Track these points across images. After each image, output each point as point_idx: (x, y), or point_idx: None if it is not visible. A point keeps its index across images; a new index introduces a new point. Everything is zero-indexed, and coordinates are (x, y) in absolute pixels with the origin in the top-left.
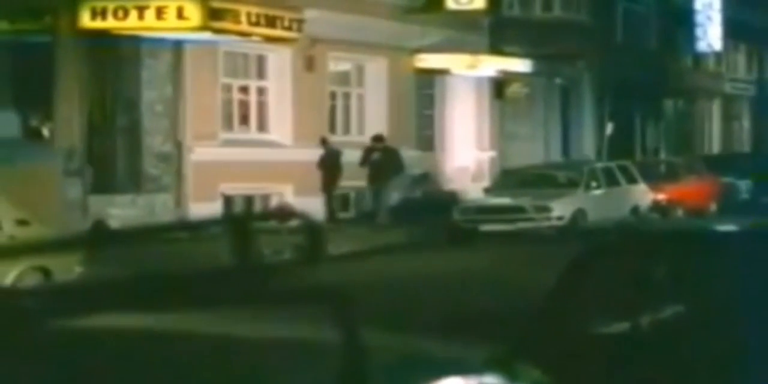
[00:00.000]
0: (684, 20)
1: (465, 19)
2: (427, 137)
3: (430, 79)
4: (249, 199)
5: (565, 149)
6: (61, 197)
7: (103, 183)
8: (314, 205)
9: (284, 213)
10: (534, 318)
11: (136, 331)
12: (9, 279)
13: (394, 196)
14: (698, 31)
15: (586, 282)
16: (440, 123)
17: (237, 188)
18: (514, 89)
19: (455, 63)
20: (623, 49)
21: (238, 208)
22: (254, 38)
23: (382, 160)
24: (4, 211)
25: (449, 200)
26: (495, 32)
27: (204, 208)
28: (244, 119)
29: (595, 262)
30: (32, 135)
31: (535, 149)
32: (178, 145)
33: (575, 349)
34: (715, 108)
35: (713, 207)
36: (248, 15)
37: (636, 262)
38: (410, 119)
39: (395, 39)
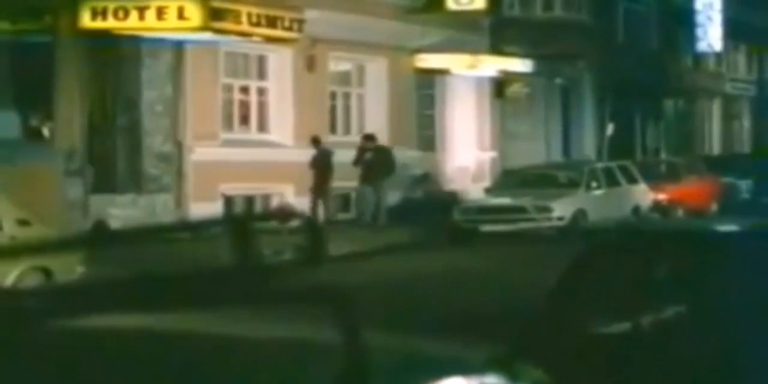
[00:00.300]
0: (684, 20)
1: (465, 19)
2: (428, 137)
3: (430, 79)
4: (249, 200)
5: (566, 149)
6: (62, 197)
7: (104, 183)
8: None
9: (285, 213)
10: (535, 318)
11: (137, 331)
12: (10, 279)
13: (390, 195)
14: (699, 32)
15: (586, 282)
16: (441, 123)
17: (237, 188)
18: (514, 89)
19: (456, 63)
20: (624, 49)
21: (239, 208)
22: (255, 38)
23: (374, 159)
24: (5, 211)
25: (450, 200)
26: (495, 32)
27: (204, 208)
28: (245, 119)
29: (596, 262)
30: (32, 135)
31: (536, 149)
32: (179, 145)
33: (576, 349)
34: (716, 108)
35: (714, 207)
36: (249, 15)
37: (637, 262)
38: (411, 119)
39: (396, 39)
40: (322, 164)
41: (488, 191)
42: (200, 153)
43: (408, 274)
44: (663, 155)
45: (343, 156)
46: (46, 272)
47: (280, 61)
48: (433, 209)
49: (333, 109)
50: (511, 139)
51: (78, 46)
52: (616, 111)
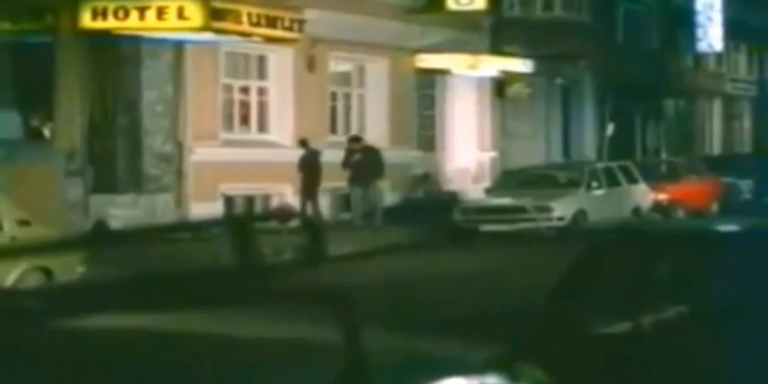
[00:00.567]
0: (685, 21)
1: (466, 20)
2: (428, 137)
3: (431, 79)
4: (249, 200)
5: (566, 149)
6: (62, 197)
7: (104, 183)
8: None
9: (284, 214)
10: (535, 318)
11: (137, 331)
12: (10, 279)
13: (390, 196)
14: (699, 32)
15: (587, 282)
16: (441, 123)
17: (237, 188)
18: (514, 89)
19: (456, 63)
20: (624, 50)
21: (239, 208)
22: (255, 38)
23: (363, 160)
24: (6, 212)
25: (450, 200)
26: (496, 32)
27: (205, 208)
28: (245, 119)
29: (597, 262)
30: (33, 135)
31: (536, 149)
32: (179, 146)
33: (576, 349)
34: (716, 108)
35: (714, 207)
36: (249, 15)
37: (637, 262)
38: (411, 119)
39: (396, 39)
40: (310, 165)
41: (488, 191)
42: (200, 153)
43: (408, 275)
44: (663, 155)
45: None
46: (47, 272)
47: (281, 62)
48: (434, 209)
49: (333, 110)
50: (511, 139)
51: (78, 46)
52: (617, 111)
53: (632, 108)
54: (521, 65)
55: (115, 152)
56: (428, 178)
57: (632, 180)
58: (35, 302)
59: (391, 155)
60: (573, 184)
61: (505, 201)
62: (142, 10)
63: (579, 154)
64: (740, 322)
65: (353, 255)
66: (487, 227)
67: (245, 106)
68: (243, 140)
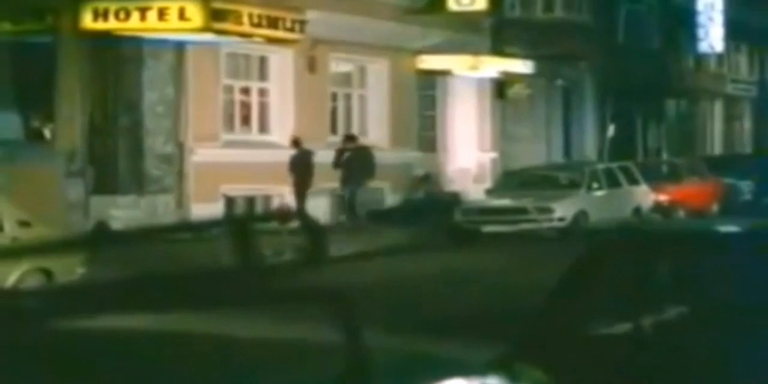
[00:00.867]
0: (685, 21)
1: (466, 20)
2: (429, 138)
3: (431, 80)
4: (250, 201)
5: (567, 150)
6: (63, 198)
7: (105, 184)
8: (316, 207)
9: (285, 214)
10: (536, 319)
11: (138, 332)
12: (11, 280)
13: (391, 196)
14: (700, 32)
15: (588, 283)
16: (442, 124)
17: (238, 189)
18: (515, 90)
19: (457, 64)
20: (625, 50)
21: (240, 209)
22: (256, 39)
23: (354, 160)
24: (6, 212)
25: (451, 201)
26: (496, 33)
27: (205, 209)
28: (246, 120)
29: (597, 263)
30: (34, 136)
31: (537, 150)
32: (180, 146)
33: (577, 350)
34: (717, 109)
35: (715, 208)
36: (250, 16)
37: (638, 263)
38: (412, 120)
39: (397, 40)
40: (302, 166)
41: (489, 192)
42: (201, 154)
43: (409, 275)
44: (664, 156)
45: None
46: (47, 273)
47: (282, 62)
48: (434, 210)
49: (334, 111)
50: (512, 140)
51: (79, 47)
52: (618, 112)
53: (633, 109)
54: (522, 66)
55: (116, 153)
56: (429, 179)
57: (633, 181)
58: (36, 303)
59: (392, 156)
60: (574, 185)
61: (506, 202)
62: (143, 11)
63: (580, 155)
64: (741, 323)
65: (354, 255)
66: (488, 228)
67: (246, 106)
68: (244, 141)
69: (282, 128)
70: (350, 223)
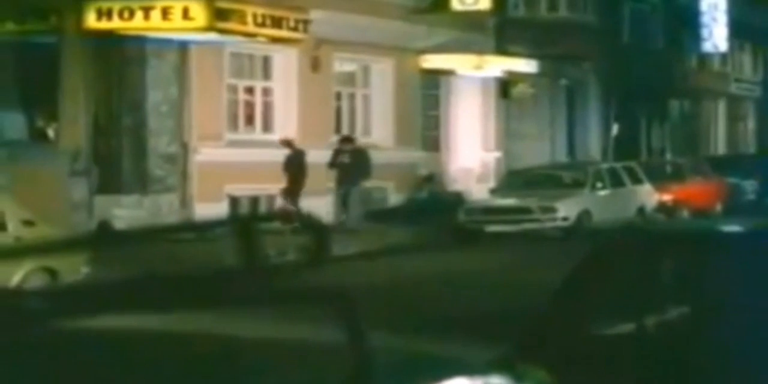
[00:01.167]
0: (689, 21)
1: (470, 20)
2: (433, 138)
3: (435, 79)
4: (254, 200)
5: (571, 150)
6: (67, 198)
7: (109, 184)
8: (320, 206)
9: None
10: (539, 319)
11: (142, 332)
12: (15, 280)
13: (395, 196)
14: (704, 32)
15: (591, 283)
16: (446, 123)
17: (242, 189)
18: (519, 90)
19: (461, 63)
20: (629, 50)
21: (244, 209)
22: (260, 39)
23: (350, 162)
24: (10, 212)
25: (455, 201)
26: (500, 33)
27: (209, 208)
28: (250, 120)
29: (601, 262)
30: (38, 136)
31: (541, 150)
32: (184, 146)
33: (580, 350)
34: (721, 109)
35: (719, 208)
36: (254, 16)
37: (641, 263)
38: (416, 120)
39: (401, 40)
40: (295, 166)
41: (493, 192)
42: (205, 153)
43: (413, 275)
44: (668, 156)
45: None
46: (51, 273)
47: (285, 62)
48: (438, 210)
49: (338, 110)
50: (516, 139)
51: (83, 47)
52: (621, 111)
53: (637, 108)
54: (526, 66)
55: (119, 153)
56: (433, 179)
57: (637, 180)
58: (39, 303)
59: (396, 155)
60: (578, 185)
61: (509, 201)
62: (146, 11)
63: (584, 155)
64: (745, 323)
65: (357, 255)
66: (491, 228)
67: (250, 106)
68: (248, 141)
69: (286, 128)
70: (347, 223)
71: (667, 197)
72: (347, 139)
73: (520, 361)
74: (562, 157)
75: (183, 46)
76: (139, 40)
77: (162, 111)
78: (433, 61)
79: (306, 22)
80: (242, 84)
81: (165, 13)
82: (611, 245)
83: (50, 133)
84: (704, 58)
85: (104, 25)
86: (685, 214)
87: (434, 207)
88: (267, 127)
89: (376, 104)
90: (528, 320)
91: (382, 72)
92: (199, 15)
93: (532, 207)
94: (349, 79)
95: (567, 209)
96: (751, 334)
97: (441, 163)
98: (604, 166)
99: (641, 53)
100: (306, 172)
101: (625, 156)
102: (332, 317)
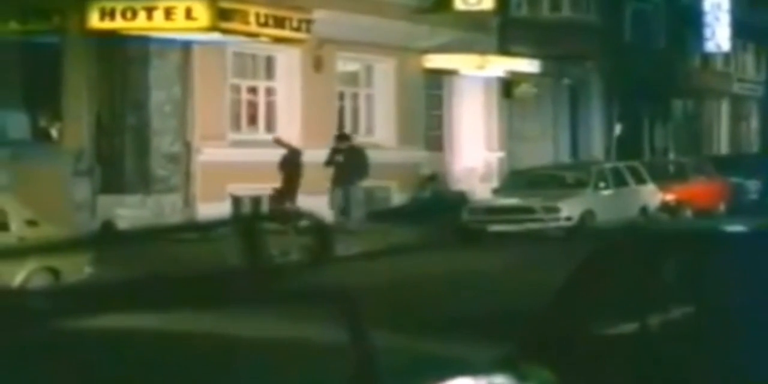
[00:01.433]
0: (692, 20)
1: (473, 20)
2: (436, 138)
3: (438, 79)
4: (257, 200)
5: (574, 150)
6: (70, 198)
7: (112, 183)
8: (321, 206)
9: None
10: (542, 318)
11: (145, 332)
12: (18, 279)
13: (398, 196)
14: (706, 32)
15: (594, 282)
16: (449, 123)
17: (245, 189)
18: (522, 90)
19: (464, 63)
20: (631, 50)
21: (247, 208)
22: (263, 39)
23: (346, 160)
24: (13, 212)
25: (458, 201)
26: (503, 33)
27: (212, 208)
28: (253, 120)
29: (604, 262)
30: (41, 135)
31: (544, 150)
32: (187, 146)
33: (583, 350)
34: (724, 108)
35: (722, 207)
36: (257, 15)
37: (644, 263)
38: (419, 120)
39: (404, 39)
40: (291, 165)
41: (496, 192)
42: (208, 153)
43: (416, 275)
44: (671, 155)
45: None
46: (55, 272)
47: (288, 62)
48: (441, 209)
49: (341, 110)
50: (519, 139)
51: (86, 47)
52: (624, 111)
53: (640, 108)
54: (529, 65)
55: (122, 152)
56: (436, 178)
57: (640, 180)
58: (42, 302)
59: (399, 155)
60: (581, 185)
61: (512, 201)
62: (149, 11)
63: (587, 155)
64: (747, 323)
65: (361, 255)
66: (494, 227)
67: (253, 106)
68: (251, 140)
69: (289, 128)
70: (348, 224)
71: (670, 197)
72: (343, 137)
73: (523, 361)
74: (565, 156)
75: (186, 46)
76: (142, 40)
77: (165, 111)
78: (436, 61)
79: (309, 21)
80: (245, 84)
81: (168, 13)
82: (614, 245)
83: (53, 132)
84: (707, 58)
85: (107, 25)
86: (688, 213)
87: (437, 207)
88: (270, 127)
89: (379, 104)
90: (531, 320)
91: (385, 72)
92: (202, 15)
93: (535, 207)
94: (352, 78)
95: (570, 209)
96: (754, 333)
97: (444, 162)
98: (607, 165)
99: (644, 53)
100: (301, 172)
101: (628, 156)
102: (335, 317)
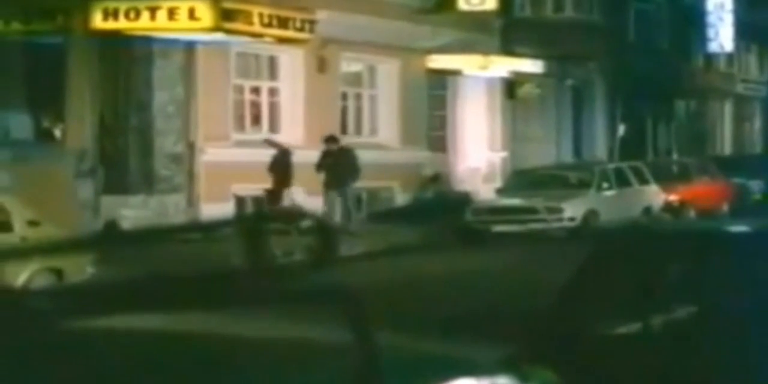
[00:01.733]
0: (696, 21)
1: (476, 20)
2: (439, 138)
3: (441, 79)
4: (260, 200)
5: (577, 150)
6: (73, 198)
7: (115, 184)
8: (321, 207)
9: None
10: (545, 319)
11: (148, 332)
12: (21, 280)
13: (401, 196)
14: (710, 32)
15: (597, 283)
16: (452, 124)
17: (249, 189)
18: (525, 90)
19: (467, 64)
20: (635, 50)
21: (250, 208)
22: (266, 39)
23: (336, 162)
24: (16, 212)
25: (461, 201)
26: (506, 33)
27: (216, 208)
28: (256, 120)
29: (607, 262)
30: (44, 136)
31: (547, 150)
32: (190, 146)
33: (586, 350)
34: (727, 109)
35: (725, 208)
36: (260, 16)
37: (647, 263)
38: (422, 120)
39: (407, 40)
40: (281, 166)
41: (499, 192)
42: (212, 153)
43: (419, 275)
44: (674, 156)
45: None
46: (57, 273)
47: (292, 62)
48: (444, 210)
49: (344, 110)
50: (522, 139)
51: (89, 47)
52: (628, 112)
53: (643, 108)
54: (532, 66)
55: (126, 153)
56: (439, 179)
57: (643, 180)
58: (45, 303)
59: (402, 155)
60: (584, 185)
61: (516, 201)
62: (153, 11)
63: (590, 155)
64: (751, 323)
65: (364, 255)
66: (498, 228)
67: (256, 106)
68: (254, 141)
69: (292, 128)
70: (348, 227)
71: (673, 197)
72: (331, 139)
73: (526, 361)
74: (568, 157)
75: (189, 47)
76: (146, 41)
77: (168, 111)
78: (439, 62)
79: (312, 22)
80: (248, 84)
81: (171, 13)
82: (617, 245)
83: (56, 133)
84: (710, 58)
85: (111, 25)
86: (691, 214)
87: (440, 207)
88: (273, 127)
89: (382, 104)
90: (534, 320)
91: (388, 72)
92: (206, 15)
93: (538, 207)
94: (356, 79)
95: (573, 209)
96: (758, 333)
97: (447, 163)
98: (611, 166)
99: (647, 53)
100: (292, 173)
101: (632, 156)
102: (338, 317)
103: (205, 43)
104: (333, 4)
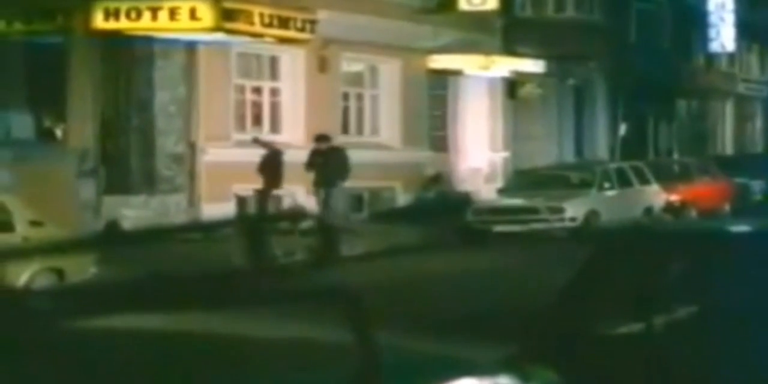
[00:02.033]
0: (697, 21)
1: (478, 20)
2: (440, 138)
3: (443, 79)
4: (262, 200)
5: (578, 150)
6: (74, 198)
7: (116, 184)
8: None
9: (296, 214)
10: (546, 319)
11: (149, 332)
12: (22, 280)
13: (403, 196)
14: (711, 32)
15: (598, 283)
16: (453, 124)
17: (250, 189)
18: (527, 90)
19: (468, 64)
20: (636, 50)
21: (251, 209)
22: (267, 39)
23: (326, 161)
24: (18, 212)
25: (462, 201)
26: (508, 33)
27: (217, 208)
28: (257, 120)
29: (608, 262)
30: (45, 136)
31: (548, 150)
32: (192, 146)
33: (588, 350)
34: (728, 108)
35: (726, 207)
36: (261, 16)
37: (649, 263)
38: (423, 120)
39: (408, 40)
40: (271, 166)
41: (501, 192)
42: (213, 153)
43: (420, 275)
44: (675, 156)
45: (357, 156)
46: (59, 273)
47: (293, 62)
48: (446, 210)
49: (345, 110)
50: (523, 139)
51: (91, 47)
52: (629, 111)
53: (644, 108)
54: (533, 66)
55: (127, 153)
56: (440, 179)
57: (644, 180)
58: (47, 303)
59: (403, 155)
60: (585, 185)
61: (517, 201)
62: (154, 11)
63: (591, 155)
64: (752, 323)
65: (365, 255)
66: (499, 228)
67: (257, 106)
68: None
69: (293, 128)
70: (350, 224)
71: (674, 197)
72: (322, 138)
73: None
74: (569, 157)
75: (190, 47)
76: (147, 41)
77: (169, 111)
78: (440, 62)
79: (313, 22)
80: (250, 84)
81: (172, 13)
82: (618, 245)
83: (58, 133)
84: (712, 58)
85: (112, 25)
86: (692, 214)
87: (441, 207)
88: (274, 127)
89: (384, 104)
90: (535, 320)
91: (390, 72)
92: (207, 15)
93: (539, 207)
94: (357, 79)
95: (574, 209)
96: (760, 333)
97: (448, 163)
98: (612, 166)
99: (649, 53)
100: (281, 173)
101: (633, 156)
102: (339, 317)
103: (206, 43)
104: (334, 4)
